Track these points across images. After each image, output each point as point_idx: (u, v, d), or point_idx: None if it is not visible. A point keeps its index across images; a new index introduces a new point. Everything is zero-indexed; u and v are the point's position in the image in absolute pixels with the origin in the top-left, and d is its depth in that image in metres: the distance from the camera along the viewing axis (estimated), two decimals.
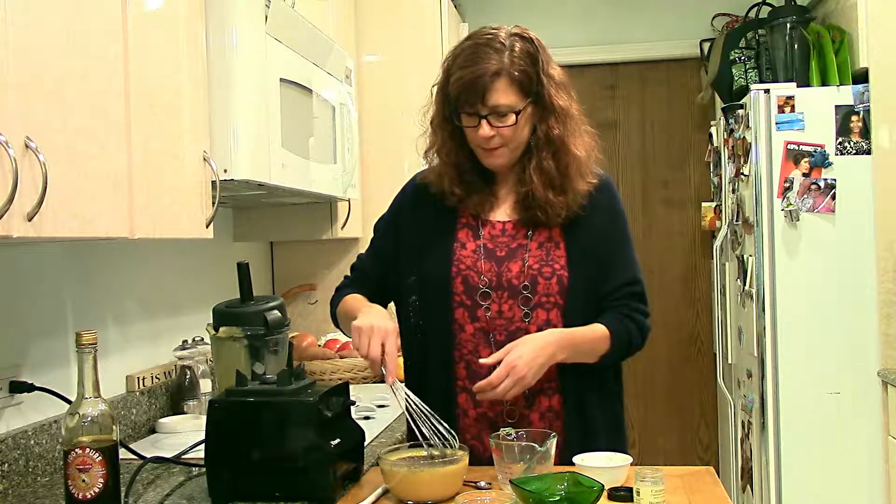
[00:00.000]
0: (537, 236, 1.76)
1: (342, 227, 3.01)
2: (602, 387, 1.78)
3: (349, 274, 1.94)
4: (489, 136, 1.69)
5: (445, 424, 1.60)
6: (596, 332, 1.72)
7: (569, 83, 1.77)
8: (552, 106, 1.73)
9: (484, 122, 1.68)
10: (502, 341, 1.70)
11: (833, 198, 3.09)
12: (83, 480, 1.42)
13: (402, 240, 1.83)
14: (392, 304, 1.88)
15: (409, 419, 1.63)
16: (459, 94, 1.70)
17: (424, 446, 1.59)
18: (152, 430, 2.28)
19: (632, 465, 1.57)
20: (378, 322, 1.62)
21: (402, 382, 1.64)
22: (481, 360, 1.67)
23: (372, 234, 1.93)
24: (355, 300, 1.80)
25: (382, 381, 1.70)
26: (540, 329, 1.71)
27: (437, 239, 1.79)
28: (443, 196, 1.80)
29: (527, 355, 1.62)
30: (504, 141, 1.71)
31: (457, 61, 1.72)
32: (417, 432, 1.60)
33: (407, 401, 1.63)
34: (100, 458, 1.43)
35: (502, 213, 1.80)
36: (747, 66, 3.54)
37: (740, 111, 3.36)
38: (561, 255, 1.74)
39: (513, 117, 1.69)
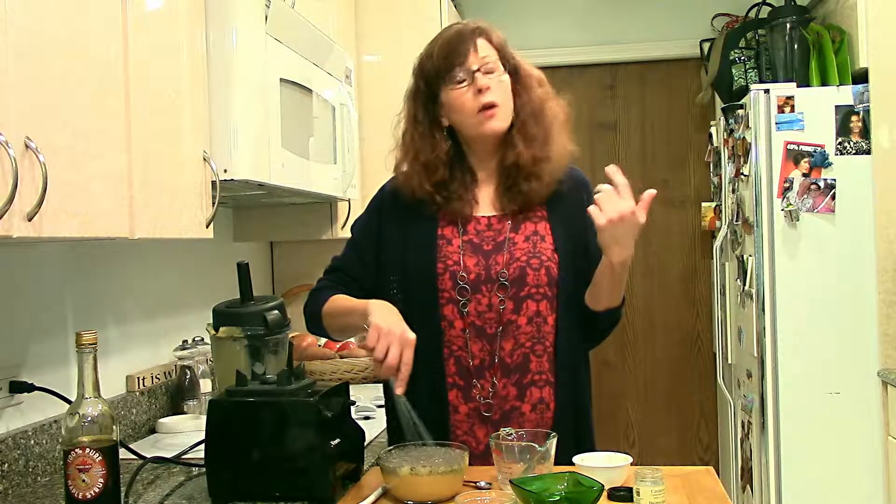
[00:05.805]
0: (523, 230, 1.77)
1: (342, 227, 3.00)
2: (587, 379, 1.82)
3: (323, 277, 1.89)
4: (487, 87, 1.71)
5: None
6: None
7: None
8: (529, 74, 1.80)
9: (477, 74, 1.72)
10: (492, 334, 1.71)
11: (833, 198, 3.09)
12: (83, 480, 1.42)
13: (383, 238, 1.81)
14: None
15: (405, 436, 1.60)
16: (447, 57, 1.73)
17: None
18: (152, 430, 2.28)
19: (632, 465, 1.57)
20: (400, 328, 1.58)
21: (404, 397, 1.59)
22: (609, 168, 1.59)
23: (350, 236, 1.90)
24: (348, 299, 1.76)
25: (380, 381, 1.67)
26: (530, 321, 1.72)
27: (420, 236, 1.77)
28: (420, 204, 1.78)
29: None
30: (499, 97, 1.73)
31: (430, 48, 1.77)
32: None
33: (410, 420, 1.59)
34: (100, 458, 1.43)
35: (485, 209, 1.80)
36: (747, 66, 3.55)
37: (740, 111, 3.36)
38: (548, 247, 1.75)
39: (502, 68, 1.74)
